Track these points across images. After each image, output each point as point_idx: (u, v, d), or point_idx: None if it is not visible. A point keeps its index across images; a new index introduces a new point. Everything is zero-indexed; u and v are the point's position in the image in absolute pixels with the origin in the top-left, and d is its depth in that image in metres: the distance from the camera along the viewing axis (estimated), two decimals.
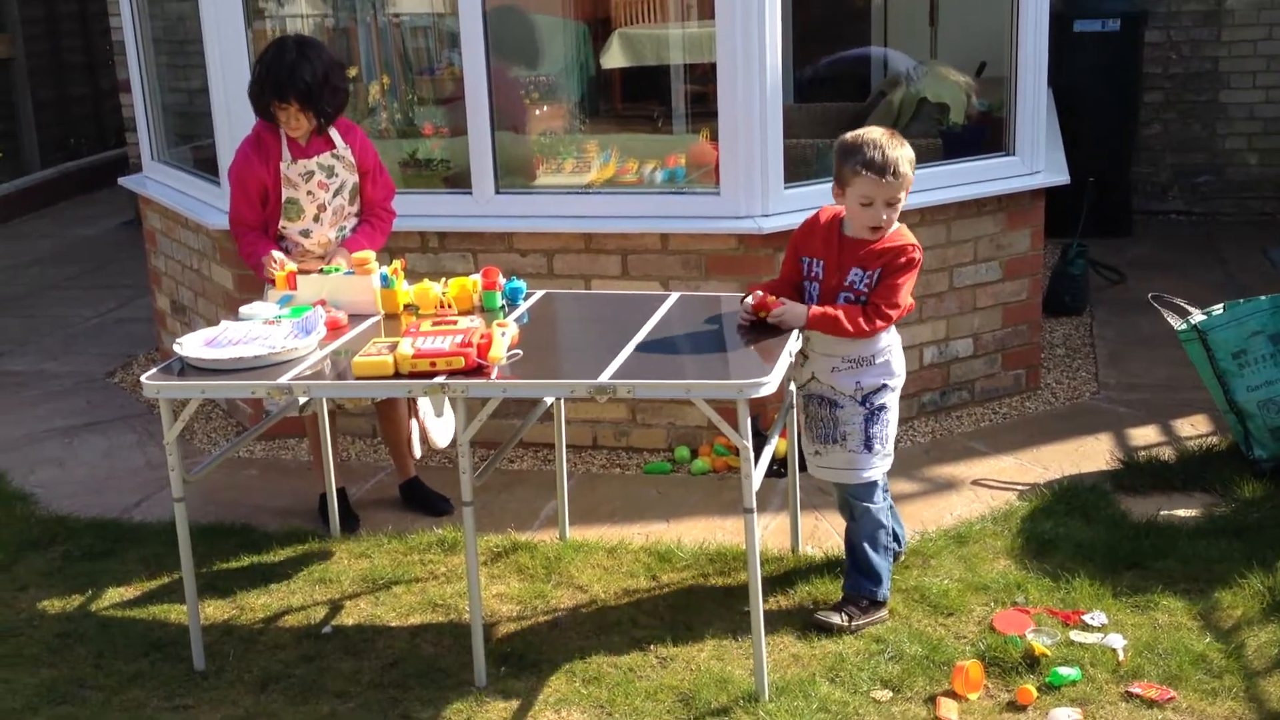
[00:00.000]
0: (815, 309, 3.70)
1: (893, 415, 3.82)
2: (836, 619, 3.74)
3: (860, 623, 3.75)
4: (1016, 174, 5.39)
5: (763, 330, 3.70)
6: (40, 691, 3.64)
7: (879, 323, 3.68)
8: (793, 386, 3.96)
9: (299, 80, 4.23)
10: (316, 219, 4.43)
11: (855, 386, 3.75)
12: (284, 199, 4.38)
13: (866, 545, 3.81)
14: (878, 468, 3.82)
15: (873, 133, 3.68)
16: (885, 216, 3.67)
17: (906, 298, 3.72)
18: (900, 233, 3.75)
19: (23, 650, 3.87)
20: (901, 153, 3.65)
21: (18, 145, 10.67)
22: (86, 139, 11.40)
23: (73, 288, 8.16)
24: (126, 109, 8.91)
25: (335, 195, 4.43)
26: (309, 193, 4.39)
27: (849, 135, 3.73)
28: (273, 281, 4.22)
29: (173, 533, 3.80)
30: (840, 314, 3.67)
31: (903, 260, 3.69)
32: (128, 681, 3.68)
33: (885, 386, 3.78)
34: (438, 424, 4.42)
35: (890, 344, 3.79)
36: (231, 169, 4.45)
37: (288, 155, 4.36)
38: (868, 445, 3.77)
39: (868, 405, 3.76)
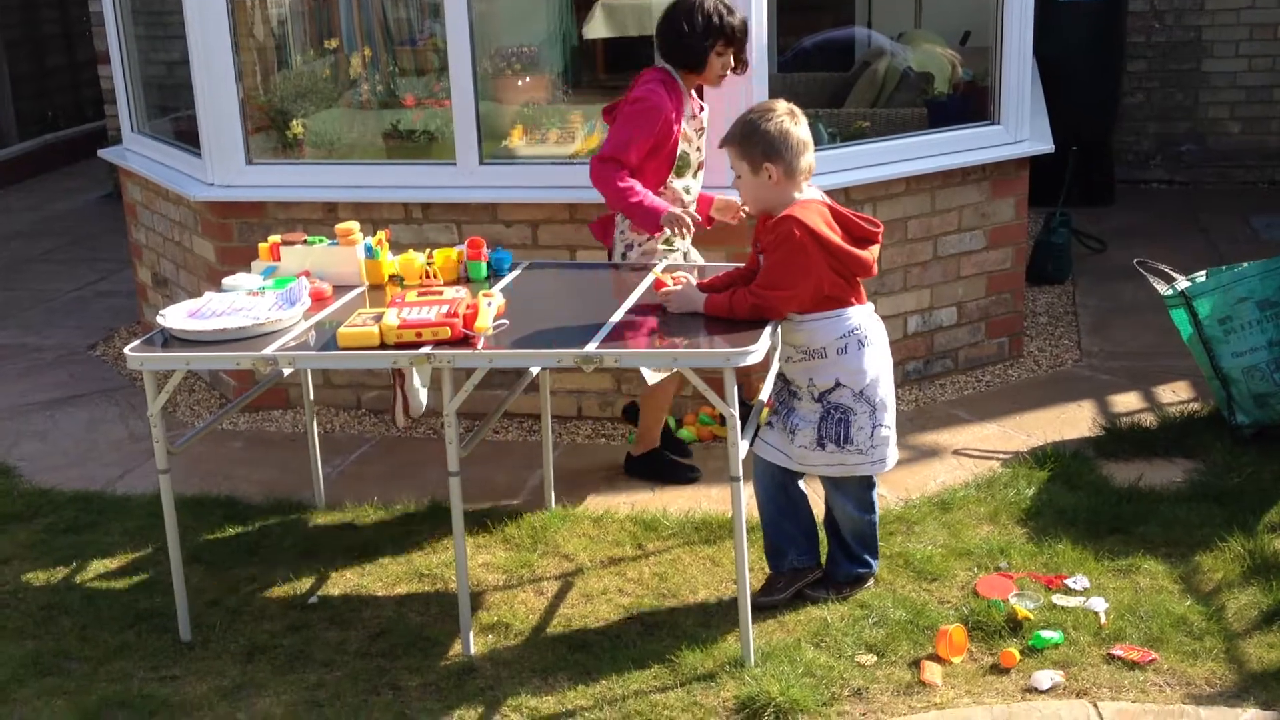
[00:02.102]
0: (714, 296, 3.61)
1: (859, 419, 3.61)
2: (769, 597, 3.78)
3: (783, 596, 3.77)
4: (1001, 143, 5.40)
5: None
6: (26, 663, 3.64)
7: (759, 306, 3.52)
8: (777, 357, 3.96)
9: (744, 22, 4.24)
10: (695, 174, 4.40)
11: (809, 382, 3.64)
12: (678, 152, 4.29)
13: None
14: (824, 466, 3.68)
15: (766, 105, 3.66)
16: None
17: (789, 279, 3.50)
18: (799, 206, 3.55)
19: (7, 623, 3.87)
20: (756, 126, 3.54)
21: None
22: (65, 112, 11.32)
23: (52, 261, 8.11)
24: (105, 81, 8.84)
25: (701, 150, 4.41)
26: (698, 148, 4.37)
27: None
28: (683, 231, 4.12)
29: (157, 505, 3.80)
30: (730, 301, 3.55)
31: (776, 237, 3.51)
32: (113, 653, 3.68)
33: (840, 385, 3.61)
34: (419, 392, 4.40)
35: (848, 339, 3.60)
36: (637, 109, 4.22)
37: (690, 109, 4.31)
38: (819, 443, 3.64)
39: (824, 403, 3.63)
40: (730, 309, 3.56)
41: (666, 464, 4.65)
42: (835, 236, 3.54)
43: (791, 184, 3.58)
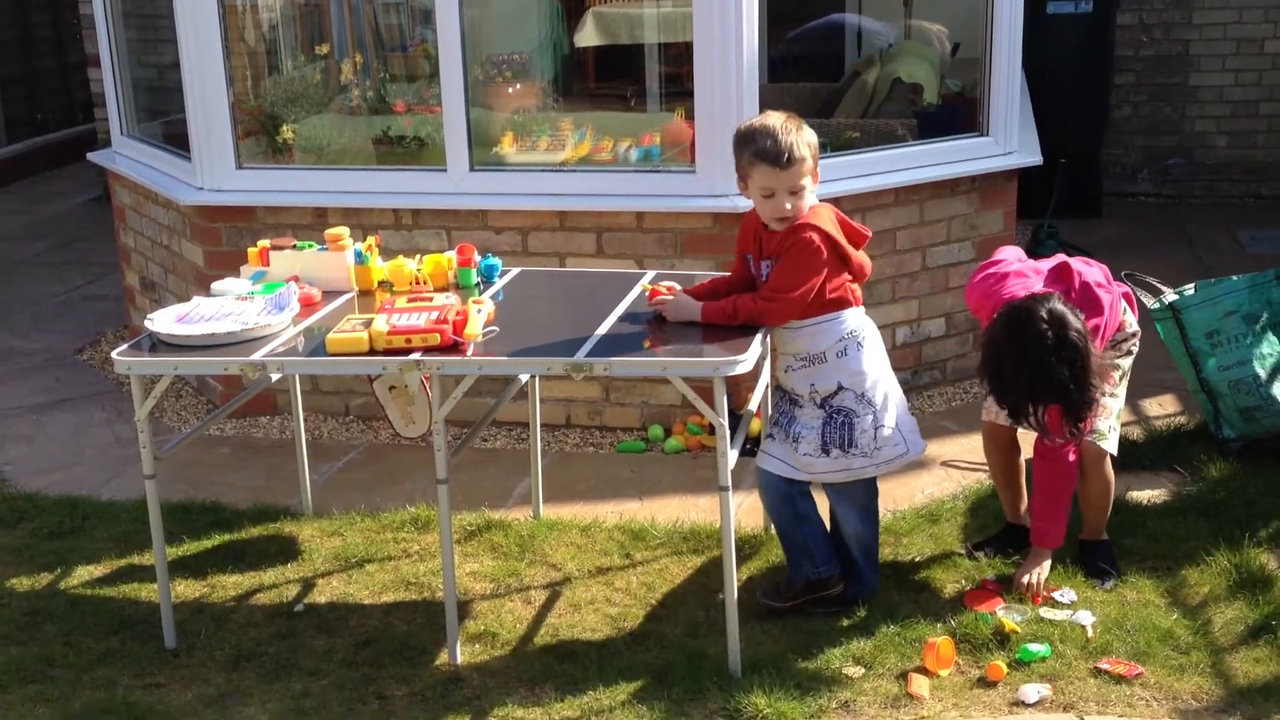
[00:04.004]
0: (710, 303, 3.60)
1: (862, 421, 3.61)
2: (772, 600, 3.76)
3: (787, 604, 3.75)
4: (990, 154, 5.41)
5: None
6: (9, 669, 3.61)
7: (766, 310, 3.53)
8: (767, 367, 3.97)
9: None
10: None
11: (810, 388, 3.64)
12: None
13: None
14: (831, 472, 3.67)
15: (769, 119, 3.53)
16: (790, 206, 3.50)
17: (802, 280, 3.51)
18: (811, 212, 3.56)
19: None
20: (799, 137, 3.48)
21: None
22: (54, 114, 11.27)
23: (40, 264, 8.08)
24: (95, 84, 8.81)
25: None
26: None
27: (743, 124, 3.60)
28: None
29: (143, 510, 3.79)
30: (734, 306, 3.56)
31: (791, 241, 3.52)
32: (98, 659, 3.66)
33: (843, 389, 3.62)
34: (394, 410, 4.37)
35: (848, 341, 3.61)
36: None
37: None
38: (824, 450, 3.64)
39: (826, 408, 3.63)
40: (731, 314, 3.57)
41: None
42: (843, 239, 3.59)
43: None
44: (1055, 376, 3.45)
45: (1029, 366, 3.47)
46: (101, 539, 4.38)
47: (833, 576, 3.76)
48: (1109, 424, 3.90)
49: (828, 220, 3.58)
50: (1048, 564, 3.86)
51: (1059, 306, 3.50)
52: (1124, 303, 3.93)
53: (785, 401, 3.74)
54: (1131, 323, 3.94)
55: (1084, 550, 3.98)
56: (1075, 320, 3.49)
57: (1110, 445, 3.90)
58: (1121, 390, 3.96)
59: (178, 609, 3.82)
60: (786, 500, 3.73)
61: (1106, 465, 3.91)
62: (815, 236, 3.52)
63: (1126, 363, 3.96)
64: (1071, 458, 3.76)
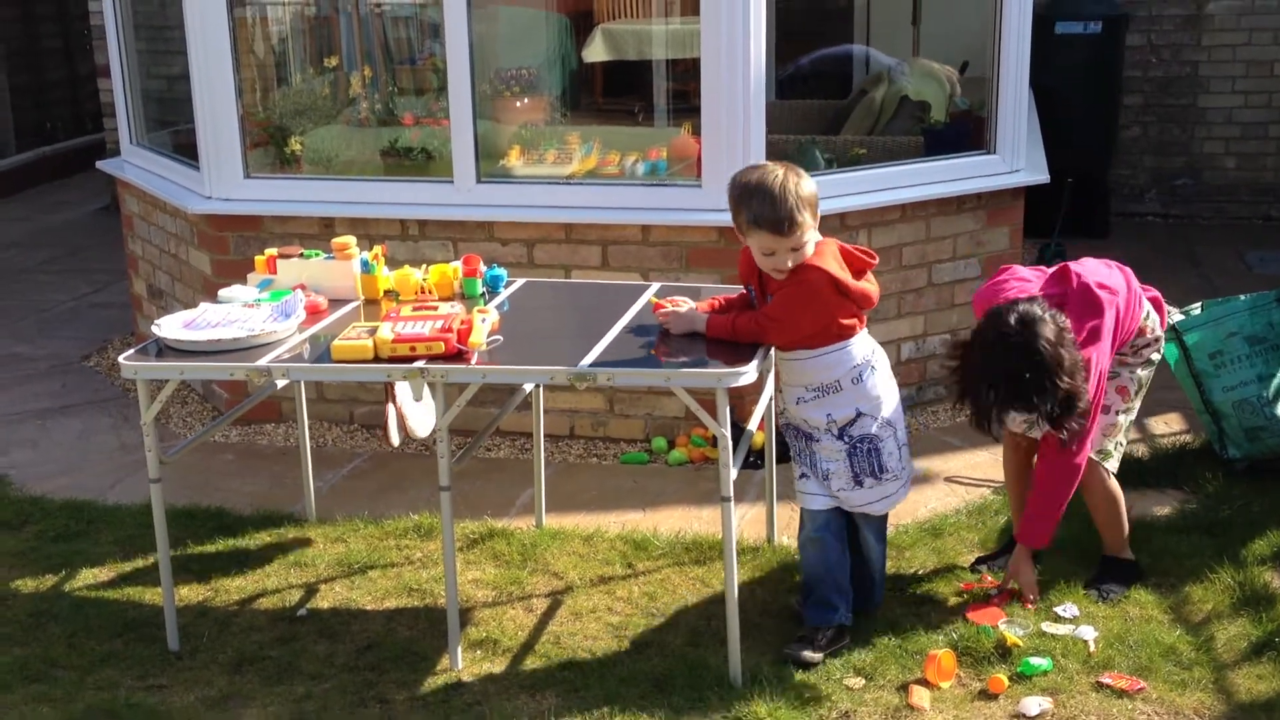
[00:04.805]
0: (715, 318, 3.58)
1: (887, 444, 3.59)
2: (807, 652, 3.58)
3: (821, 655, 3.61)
4: (997, 172, 5.43)
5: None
6: (13, 669, 3.62)
7: (765, 330, 3.51)
8: (770, 381, 3.96)
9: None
10: None
11: (827, 419, 3.58)
12: None
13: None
14: (873, 502, 3.64)
15: (765, 176, 3.42)
16: (791, 263, 3.45)
17: (800, 317, 3.48)
18: (818, 249, 3.49)
19: None
20: (798, 198, 3.38)
21: None
22: (63, 124, 11.33)
23: (48, 272, 8.11)
24: (105, 94, 8.86)
25: None
26: None
27: (740, 178, 3.49)
28: None
29: (147, 515, 3.79)
30: (733, 325, 3.53)
31: (791, 281, 3.48)
32: (101, 661, 3.67)
33: (862, 415, 3.58)
34: (417, 412, 4.41)
35: (861, 366, 3.57)
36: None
37: None
38: (857, 482, 3.60)
39: (846, 439, 3.58)
40: (732, 332, 3.56)
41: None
42: (848, 276, 3.53)
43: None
44: (1014, 376, 3.44)
45: (989, 367, 3.49)
46: (106, 542, 4.39)
47: (849, 627, 3.68)
48: (1115, 441, 3.89)
49: (831, 259, 3.51)
50: (1030, 566, 3.83)
51: (1034, 309, 3.48)
52: (1149, 306, 3.88)
53: (800, 439, 3.66)
54: (1155, 328, 3.89)
55: (1102, 565, 3.98)
56: (1050, 324, 3.46)
57: (1111, 464, 3.90)
58: (1135, 405, 3.94)
59: (181, 612, 3.83)
60: (824, 539, 3.65)
61: (1105, 480, 3.91)
62: (818, 281, 3.47)
63: (1145, 374, 3.91)
64: (1079, 459, 3.71)
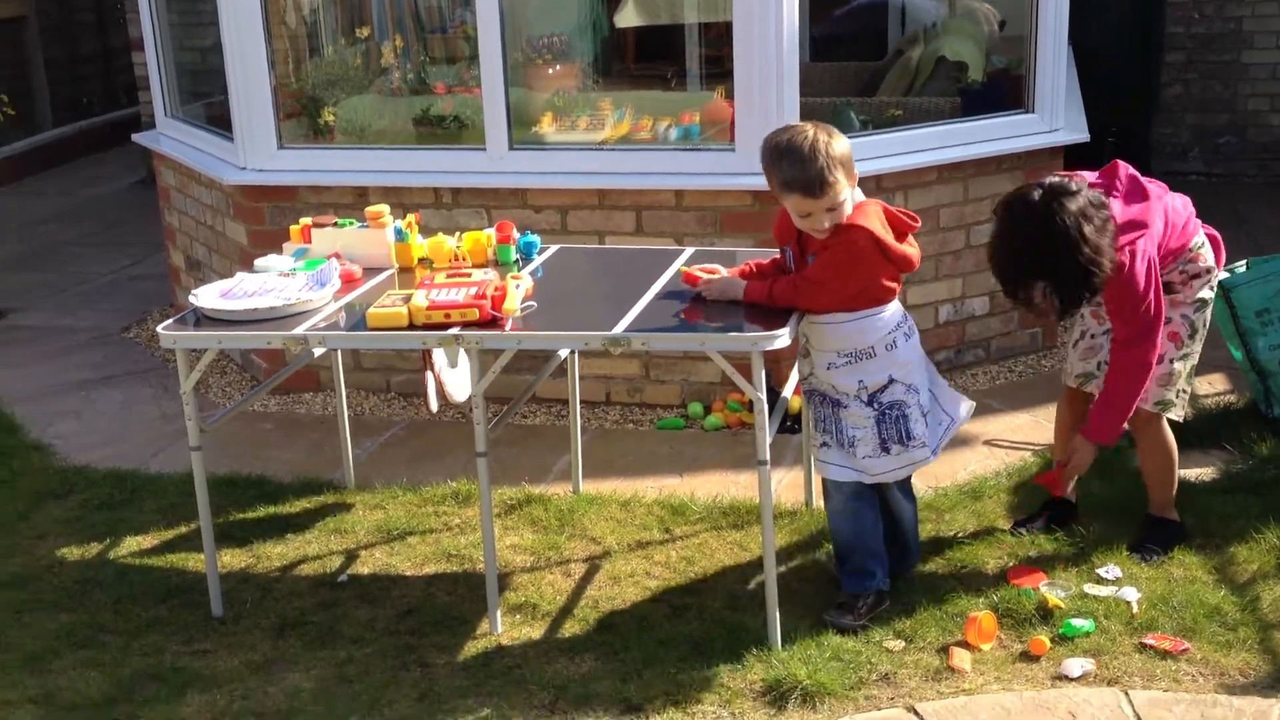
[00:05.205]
0: (753, 283, 3.54)
1: (914, 410, 3.55)
2: (848, 619, 3.58)
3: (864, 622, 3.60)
4: (1035, 131, 5.37)
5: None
6: (61, 636, 3.67)
7: (802, 295, 3.47)
8: (795, 374, 3.90)
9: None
10: None
11: (859, 385, 3.52)
12: None
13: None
14: (895, 470, 3.59)
15: (796, 137, 3.36)
16: (828, 223, 3.40)
17: (841, 278, 3.43)
18: (857, 209, 3.45)
19: (43, 596, 3.91)
20: (828, 159, 3.32)
21: (30, 104, 10.66)
22: (98, 98, 11.39)
23: (87, 245, 8.17)
24: (139, 67, 8.89)
25: None
26: None
27: (772, 139, 3.43)
28: None
29: (189, 483, 3.82)
30: (770, 290, 3.50)
31: (836, 241, 3.43)
32: (146, 626, 3.71)
33: (894, 382, 3.53)
34: (454, 377, 4.41)
35: (896, 332, 3.53)
36: None
37: None
38: (883, 448, 3.55)
39: (876, 405, 3.53)
40: (770, 297, 3.51)
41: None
42: (890, 238, 3.49)
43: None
44: (1032, 243, 3.44)
45: (1011, 232, 3.49)
46: (149, 510, 4.43)
47: (888, 591, 3.67)
48: (1176, 390, 3.81)
49: (875, 219, 3.46)
50: (1090, 454, 3.79)
51: (1065, 184, 3.47)
52: (1204, 236, 3.81)
53: (825, 405, 3.59)
54: (1208, 258, 3.80)
55: (1146, 524, 3.94)
56: (1080, 198, 3.43)
57: (1174, 414, 3.83)
58: (1193, 351, 3.83)
59: (224, 578, 3.87)
60: (856, 508, 3.62)
61: (1162, 430, 3.86)
62: (864, 243, 3.42)
63: (1198, 317, 3.81)
64: (1149, 356, 3.62)
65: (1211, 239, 3.87)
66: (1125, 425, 3.78)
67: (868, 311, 3.51)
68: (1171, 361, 3.79)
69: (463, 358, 4.17)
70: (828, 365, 3.56)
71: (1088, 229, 3.39)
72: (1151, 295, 3.59)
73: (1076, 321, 3.99)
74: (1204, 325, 3.86)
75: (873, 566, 3.64)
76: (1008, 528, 4.06)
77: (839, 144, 3.39)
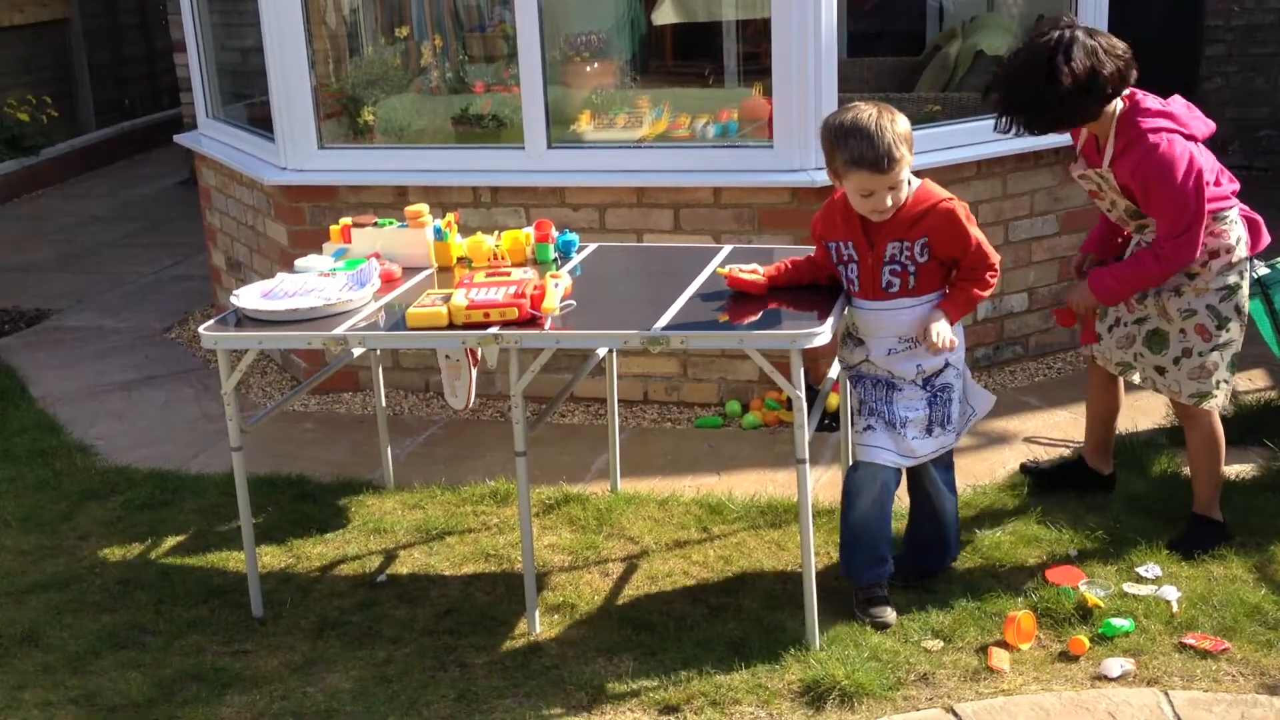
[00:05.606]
0: (948, 305, 3.50)
1: (956, 393, 3.60)
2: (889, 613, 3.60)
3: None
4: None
5: (814, 287, 3.67)
6: (102, 636, 3.71)
7: (991, 281, 3.53)
8: (836, 365, 3.90)
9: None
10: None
11: (916, 369, 3.54)
12: None
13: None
14: (932, 451, 3.60)
15: (860, 114, 3.38)
16: (890, 201, 3.41)
17: (983, 248, 3.49)
18: (926, 189, 3.49)
19: (85, 596, 3.95)
20: (895, 134, 3.34)
21: (74, 106, 10.79)
22: (141, 99, 11.51)
23: (129, 246, 8.26)
24: (181, 69, 8.99)
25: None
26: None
27: (834, 119, 3.44)
28: None
29: (229, 484, 3.86)
30: (963, 295, 3.51)
31: (952, 220, 3.45)
32: (187, 627, 3.75)
33: (949, 365, 3.55)
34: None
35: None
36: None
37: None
38: (928, 430, 3.57)
39: (929, 388, 3.56)
40: (969, 303, 3.54)
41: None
42: None
43: None
44: (1017, 76, 3.63)
45: (1010, 63, 3.73)
46: (190, 511, 4.48)
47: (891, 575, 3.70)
48: (1215, 380, 3.77)
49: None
50: (1090, 300, 3.82)
51: (1081, 36, 3.58)
52: (1237, 214, 3.77)
53: (880, 388, 3.59)
54: (1232, 237, 3.73)
55: (1189, 523, 3.91)
56: (1092, 40, 3.58)
57: (1211, 404, 3.80)
58: (1227, 340, 3.76)
59: (264, 579, 3.90)
60: (886, 496, 3.61)
61: (1210, 421, 3.83)
62: (959, 209, 3.47)
63: (1224, 306, 3.74)
64: (1183, 253, 3.61)
65: (1251, 222, 3.81)
66: (1133, 297, 3.81)
67: (933, 295, 3.54)
68: (1201, 355, 3.76)
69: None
70: (888, 351, 3.56)
71: (1080, 49, 3.55)
72: (1190, 188, 3.56)
73: (1110, 311, 3.95)
74: (1238, 313, 3.79)
75: (885, 552, 3.66)
76: (1046, 525, 4.03)
77: (901, 122, 3.42)
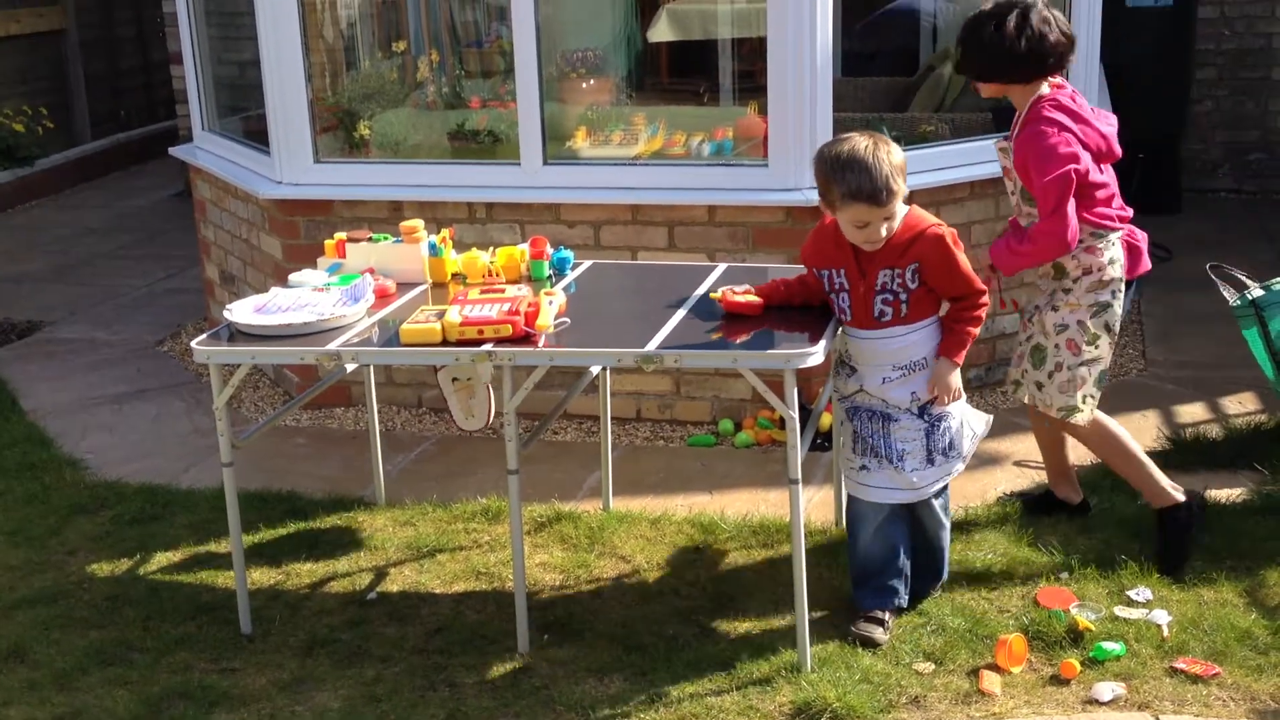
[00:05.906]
0: (950, 350, 3.52)
1: (954, 421, 3.59)
2: (879, 631, 3.59)
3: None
4: None
5: (807, 308, 3.67)
6: (90, 653, 3.69)
7: (979, 312, 3.54)
8: (830, 391, 3.89)
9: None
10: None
11: (911, 397, 3.54)
12: None
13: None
14: (935, 481, 3.61)
15: (855, 146, 3.37)
16: (884, 231, 3.42)
17: (967, 273, 3.50)
18: (914, 215, 3.48)
19: (73, 612, 3.93)
20: (890, 165, 3.34)
21: (69, 117, 10.78)
22: (137, 111, 11.51)
23: (123, 257, 8.24)
24: (177, 80, 8.99)
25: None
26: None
27: (829, 150, 3.43)
28: None
29: (220, 499, 3.85)
30: (960, 337, 3.52)
31: (940, 246, 3.45)
32: (175, 644, 3.73)
33: None
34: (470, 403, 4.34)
35: (939, 341, 3.56)
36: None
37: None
38: (929, 460, 3.56)
39: (927, 417, 3.55)
40: (966, 338, 3.54)
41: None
42: None
43: None
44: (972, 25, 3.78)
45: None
46: (180, 526, 4.46)
47: (904, 608, 3.71)
48: (1082, 394, 3.84)
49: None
50: (994, 279, 3.85)
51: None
52: (1119, 240, 3.83)
53: (875, 420, 3.58)
54: (1107, 255, 3.79)
55: (1157, 526, 3.95)
56: (1044, 13, 3.72)
57: (1079, 418, 3.87)
58: (1095, 355, 3.82)
59: (253, 595, 3.88)
60: (891, 530, 3.62)
61: (1091, 426, 3.90)
62: (948, 236, 3.47)
63: (1094, 323, 3.80)
64: (1056, 225, 3.65)
65: (1132, 248, 3.88)
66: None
67: (927, 320, 3.54)
68: (1070, 369, 3.83)
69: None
70: (882, 380, 3.56)
71: (1036, 14, 3.70)
72: (1059, 177, 3.62)
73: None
74: (1107, 330, 3.85)
75: (896, 584, 3.66)
76: (1037, 548, 4.03)
77: (896, 152, 3.43)
